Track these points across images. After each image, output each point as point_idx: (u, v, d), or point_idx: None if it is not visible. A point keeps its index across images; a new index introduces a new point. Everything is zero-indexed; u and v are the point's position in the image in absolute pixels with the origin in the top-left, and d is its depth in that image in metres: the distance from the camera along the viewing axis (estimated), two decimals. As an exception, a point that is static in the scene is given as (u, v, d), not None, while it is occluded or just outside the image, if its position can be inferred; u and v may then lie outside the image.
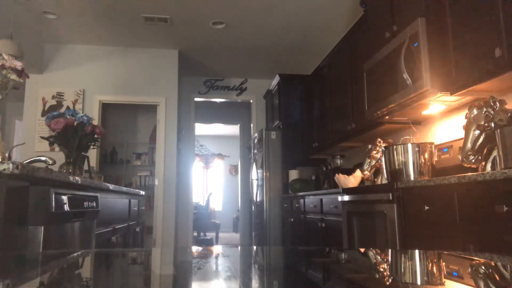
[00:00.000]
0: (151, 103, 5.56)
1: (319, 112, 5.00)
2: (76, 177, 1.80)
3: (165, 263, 0.99)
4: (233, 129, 9.73)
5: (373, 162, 3.40)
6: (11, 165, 1.24)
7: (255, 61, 5.89)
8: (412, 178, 2.61)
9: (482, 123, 2.12)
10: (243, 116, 7.84)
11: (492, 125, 2.07)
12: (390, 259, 0.93)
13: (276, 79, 5.72)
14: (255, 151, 5.99)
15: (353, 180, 3.75)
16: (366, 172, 3.48)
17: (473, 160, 2.20)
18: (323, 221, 3.65)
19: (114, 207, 2.74)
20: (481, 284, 0.63)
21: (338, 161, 4.81)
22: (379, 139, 3.37)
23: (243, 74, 6.48)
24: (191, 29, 4.85)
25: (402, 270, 0.81)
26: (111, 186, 2.50)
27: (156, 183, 5.39)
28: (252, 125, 6.78)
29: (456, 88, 2.34)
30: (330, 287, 0.68)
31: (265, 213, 5.25)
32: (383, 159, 2.87)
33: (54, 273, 0.78)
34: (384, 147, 2.86)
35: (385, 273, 0.77)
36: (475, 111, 2.17)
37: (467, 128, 2.22)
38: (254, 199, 5.90)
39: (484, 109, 2.12)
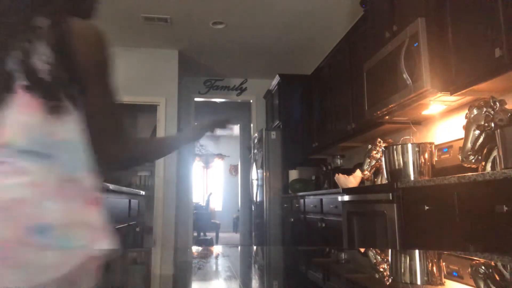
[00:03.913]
0: (151, 103, 5.56)
1: (319, 112, 5.00)
2: (76, 177, 1.80)
3: (165, 263, 0.99)
4: (233, 129, 9.72)
5: (373, 162, 3.40)
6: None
7: (255, 61, 5.89)
8: (412, 178, 2.61)
9: (482, 123, 2.12)
10: (243, 116, 7.84)
11: (492, 125, 2.07)
12: (390, 259, 0.93)
13: (276, 79, 5.72)
14: (255, 151, 5.99)
15: (353, 180, 3.75)
16: (366, 172, 3.48)
17: (473, 160, 2.20)
18: (323, 221, 3.65)
19: (114, 207, 2.74)
20: (481, 284, 0.63)
21: (338, 161, 4.80)
22: (379, 139, 3.36)
23: (243, 74, 6.47)
24: (191, 29, 4.85)
25: (402, 270, 0.81)
26: (111, 186, 2.50)
27: (156, 183, 5.39)
28: (252, 125, 6.77)
29: (456, 88, 2.34)
30: (330, 287, 0.68)
31: (265, 213, 5.25)
32: (383, 159, 2.87)
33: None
34: (384, 147, 2.86)
35: (385, 273, 0.77)
36: (475, 111, 2.17)
37: (467, 128, 2.22)
38: (254, 199, 5.89)
39: (484, 109, 2.12)
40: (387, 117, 3.09)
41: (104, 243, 0.83)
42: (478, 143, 2.16)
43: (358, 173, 3.71)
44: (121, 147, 0.95)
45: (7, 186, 0.76)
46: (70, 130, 0.84)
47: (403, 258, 0.93)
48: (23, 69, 0.80)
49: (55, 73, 0.82)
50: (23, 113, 0.80)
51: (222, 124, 1.22)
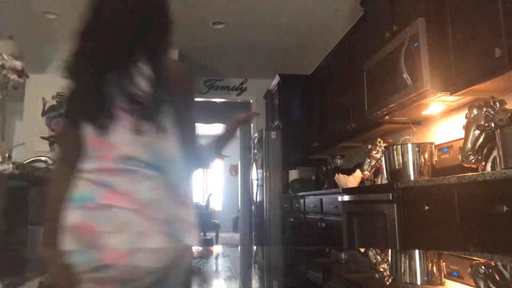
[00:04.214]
0: (151, 103, 5.54)
1: (319, 112, 4.99)
2: (76, 177, 1.80)
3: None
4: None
5: (373, 162, 3.40)
6: (11, 165, 1.24)
7: (255, 61, 5.88)
8: (412, 178, 2.61)
9: (482, 123, 2.12)
10: (243, 116, 7.82)
11: (492, 125, 2.07)
12: (390, 259, 0.93)
13: (276, 79, 5.72)
14: (255, 151, 5.99)
15: (353, 180, 3.75)
16: (366, 172, 3.48)
17: (473, 160, 2.20)
18: (323, 221, 3.64)
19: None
20: (481, 284, 0.63)
21: (338, 161, 4.80)
22: (379, 139, 3.36)
23: (243, 74, 6.47)
24: (191, 29, 4.84)
25: (402, 270, 0.81)
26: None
27: (156, 183, 5.37)
28: (252, 125, 6.77)
29: (456, 88, 2.34)
30: (330, 287, 0.68)
31: (265, 213, 5.25)
32: (383, 159, 2.87)
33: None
34: (384, 147, 2.86)
35: (385, 273, 0.77)
36: (475, 111, 2.17)
37: (467, 128, 2.22)
38: (254, 199, 5.89)
39: (484, 109, 2.12)
40: (387, 117, 3.08)
41: (193, 237, 1.07)
42: (478, 143, 2.16)
43: (358, 173, 3.71)
44: (200, 157, 1.24)
45: (143, 188, 1.02)
46: (172, 148, 1.10)
47: (403, 258, 0.93)
48: (128, 96, 1.04)
49: (153, 100, 1.05)
50: (136, 132, 1.03)
51: (249, 118, 1.43)
